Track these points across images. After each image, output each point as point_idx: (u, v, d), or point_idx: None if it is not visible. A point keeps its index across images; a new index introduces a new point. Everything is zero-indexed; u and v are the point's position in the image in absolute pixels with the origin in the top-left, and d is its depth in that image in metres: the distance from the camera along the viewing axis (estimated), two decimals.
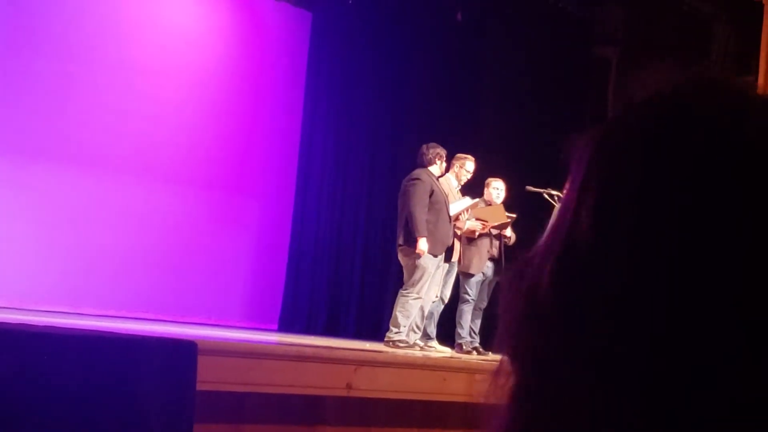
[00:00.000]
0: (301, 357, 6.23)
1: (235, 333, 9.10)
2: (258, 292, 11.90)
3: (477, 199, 9.57)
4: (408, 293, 8.86)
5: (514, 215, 9.61)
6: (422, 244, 8.78)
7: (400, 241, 9.02)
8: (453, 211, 9.20)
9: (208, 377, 5.34)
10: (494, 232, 9.56)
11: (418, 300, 8.87)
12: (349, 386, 6.30)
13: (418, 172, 9.10)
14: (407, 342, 8.75)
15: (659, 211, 0.72)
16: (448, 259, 9.23)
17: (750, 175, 0.71)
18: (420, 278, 8.83)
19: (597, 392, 0.71)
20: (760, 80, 8.35)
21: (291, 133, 12.07)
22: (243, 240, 11.85)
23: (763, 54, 8.36)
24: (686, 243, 0.70)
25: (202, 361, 5.18)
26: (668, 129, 0.74)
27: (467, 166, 9.58)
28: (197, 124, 11.40)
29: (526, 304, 0.78)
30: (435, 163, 9.18)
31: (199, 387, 5.11)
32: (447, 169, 9.50)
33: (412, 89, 12.36)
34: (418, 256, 8.79)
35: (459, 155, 9.64)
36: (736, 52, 11.56)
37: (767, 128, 0.73)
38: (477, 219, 9.46)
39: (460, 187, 9.59)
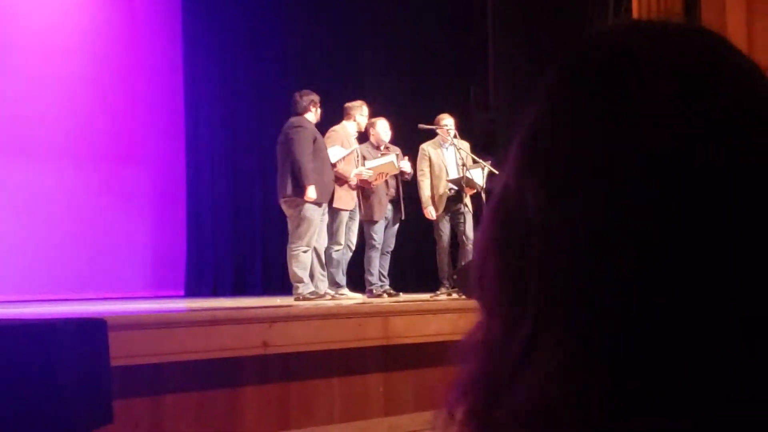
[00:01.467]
0: (213, 321, 6.18)
1: (144, 304, 8.99)
2: (161, 260, 11.77)
3: (355, 146, 9.45)
4: (297, 246, 8.68)
5: (406, 170, 9.58)
6: (311, 192, 8.58)
7: (288, 191, 8.70)
8: (333, 159, 9.10)
9: (122, 352, 5.27)
10: (382, 179, 9.53)
11: (309, 251, 8.73)
12: (265, 344, 6.29)
13: (298, 120, 8.88)
14: (317, 293, 8.71)
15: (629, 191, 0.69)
16: (330, 204, 9.12)
17: (739, 142, 0.69)
18: (307, 230, 8.66)
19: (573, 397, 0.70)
20: (634, 8, 8.48)
21: (175, 96, 11.89)
22: (139, 210, 11.68)
23: None
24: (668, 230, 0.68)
25: (114, 337, 5.10)
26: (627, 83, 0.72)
27: (363, 111, 9.52)
28: (78, 98, 11.15)
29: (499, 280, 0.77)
30: (310, 110, 8.98)
31: (114, 363, 5.03)
32: (341, 117, 9.47)
33: (293, 38, 12.26)
34: (304, 204, 8.58)
35: (353, 103, 9.55)
36: None
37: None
38: (376, 174, 9.40)
39: (357, 135, 9.54)
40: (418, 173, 9.66)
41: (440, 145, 9.70)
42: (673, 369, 0.68)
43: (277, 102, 11.81)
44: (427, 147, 9.71)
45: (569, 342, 0.70)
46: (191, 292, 11.46)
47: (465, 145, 9.58)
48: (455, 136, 9.60)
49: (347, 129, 9.44)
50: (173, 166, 11.88)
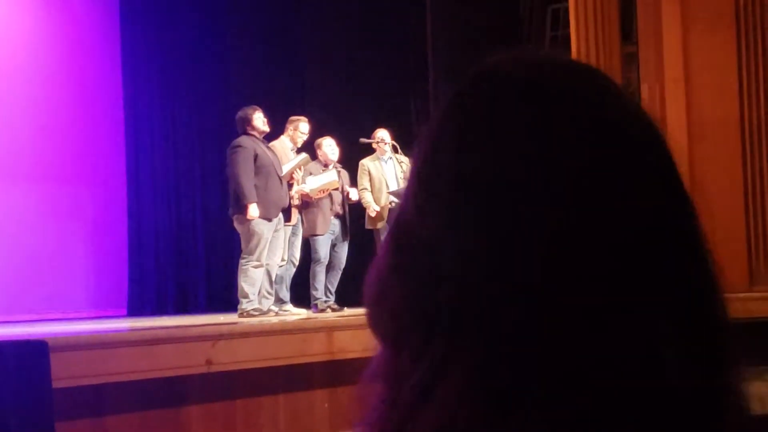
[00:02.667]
0: (155, 340, 6.14)
1: (85, 324, 8.89)
2: (103, 279, 11.65)
3: (305, 155, 9.48)
4: (248, 261, 8.74)
5: (352, 197, 9.62)
6: (252, 210, 8.64)
7: (232, 210, 8.86)
8: (284, 171, 9.12)
9: (63, 374, 5.22)
10: (323, 196, 9.54)
11: (260, 267, 8.77)
12: (209, 362, 6.26)
13: (238, 140, 8.93)
14: (261, 309, 8.70)
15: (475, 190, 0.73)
16: (287, 219, 9.17)
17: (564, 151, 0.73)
18: (257, 245, 8.70)
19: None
20: (570, 5, 8.58)
21: (115, 114, 11.79)
22: (80, 229, 11.55)
23: None
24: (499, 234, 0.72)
25: (55, 358, 5.05)
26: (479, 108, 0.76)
27: (301, 127, 9.54)
28: (16, 117, 11.00)
29: (376, 282, 0.79)
30: (250, 126, 8.99)
31: (56, 385, 4.98)
32: (282, 132, 9.47)
33: (236, 56, 12.22)
34: (251, 221, 8.68)
35: (292, 118, 9.60)
36: None
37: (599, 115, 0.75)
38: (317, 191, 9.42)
39: (296, 149, 9.55)
40: (359, 188, 9.69)
41: (379, 159, 9.77)
42: (571, 392, 0.70)
43: (218, 120, 11.77)
44: (366, 162, 9.77)
45: (476, 368, 0.71)
46: (134, 311, 11.35)
47: (405, 159, 9.64)
48: (395, 149, 9.64)
49: (284, 143, 9.45)
50: (114, 184, 11.77)
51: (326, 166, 9.65)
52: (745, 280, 8.78)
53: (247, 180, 8.70)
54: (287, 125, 9.55)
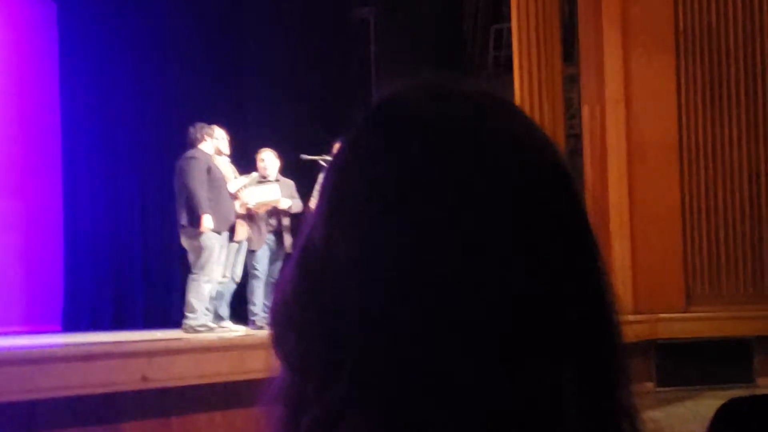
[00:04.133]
0: (89, 356, 6.07)
1: (18, 339, 8.75)
2: (37, 294, 11.47)
3: (254, 174, 9.50)
4: (198, 277, 8.72)
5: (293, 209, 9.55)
6: (206, 221, 8.65)
7: (183, 221, 8.81)
8: (232, 189, 9.13)
9: None
10: (263, 211, 9.49)
11: (210, 282, 8.76)
12: (144, 378, 6.19)
13: (192, 151, 8.99)
14: (207, 326, 8.64)
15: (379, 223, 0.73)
16: (231, 238, 9.15)
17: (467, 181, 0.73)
18: (208, 259, 8.71)
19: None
20: (513, 26, 8.67)
21: (51, 125, 11.64)
22: (13, 242, 11.37)
23: (513, 2, 8.67)
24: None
25: None
26: (380, 136, 0.77)
27: (217, 134, 9.32)
28: None
29: (279, 307, 0.79)
30: (204, 140, 9.05)
31: None
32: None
33: (174, 68, 12.13)
34: (202, 234, 8.65)
35: (206, 127, 9.23)
36: (491, 2, 11.93)
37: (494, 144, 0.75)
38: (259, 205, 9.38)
39: (229, 159, 9.47)
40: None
41: None
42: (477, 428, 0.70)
43: (157, 132, 11.68)
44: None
45: (377, 413, 0.70)
46: (69, 326, 11.18)
47: None
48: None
49: (222, 159, 9.36)
50: (49, 196, 11.61)
51: (264, 177, 9.59)
52: (682, 301, 8.91)
53: (202, 190, 8.71)
54: (204, 137, 9.28)
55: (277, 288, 0.80)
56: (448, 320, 0.70)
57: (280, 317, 0.78)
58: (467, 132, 0.75)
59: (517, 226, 0.73)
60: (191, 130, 9.12)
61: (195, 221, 8.69)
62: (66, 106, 11.69)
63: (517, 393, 0.70)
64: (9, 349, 6.40)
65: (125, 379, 6.08)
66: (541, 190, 0.75)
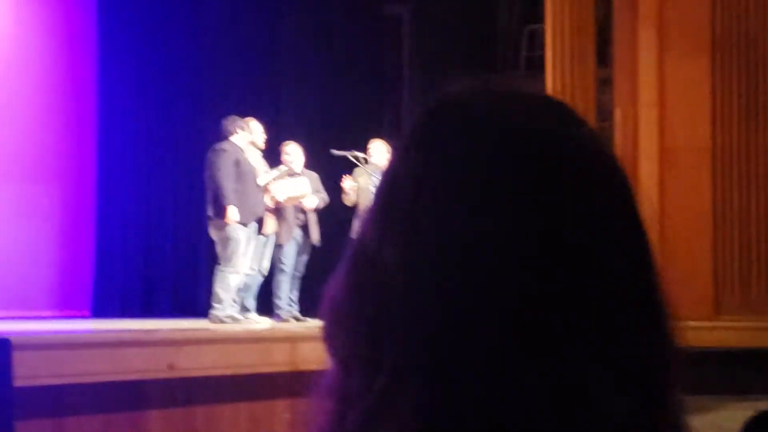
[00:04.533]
0: (119, 343, 6.11)
1: (49, 324, 8.82)
2: (68, 279, 11.56)
3: (282, 167, 9.52)
4: (225, 268, 8.78)
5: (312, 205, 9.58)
6: (231, 213, 8.70)
7: (210, 213, 8.91)
8: (261, 182, 9.17)
9: (25, 373, 5.18)
10: (292, 204, 9.51)
11: (236, 273, 8.81)
12: (171, 367, 6.22)
13: (221, 144, 9.06)
14: (233, 317, 8.69)
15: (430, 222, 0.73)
16: (260, 230, 9.19)
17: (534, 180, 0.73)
18: (235, 251, 8.75)
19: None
20: (547, 27, 8.64)
21: (87, 112, 11.71)
22: (47, 228, 11.46)
23: (548, 3, 8.63)
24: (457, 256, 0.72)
25: (18, 357, 5.01)
26: (436, 135, 0.77)
27: (252, 127, 9.37)
28: None
29: (331, 307, 0.79)
30: (236, 132, 9.11)
31: (17, 383, 4.94)
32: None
33: (209, 60, 12.17)
34: (228, 225, 8.70)
35: (240, 119, 9.36)
36: (525, 2, 11.89)
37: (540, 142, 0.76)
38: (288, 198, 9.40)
39: (261, 153, 9.52)
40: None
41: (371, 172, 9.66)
42: (523, 419, 0.70)
43: (192, 124, 11.73)
44: (359, 170, 9.68)
45: (419, 408, 0.71)
46: (98, 312, 11.26)
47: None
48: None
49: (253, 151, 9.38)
50: (83, 183, 11.68)
51: (291, 171, 9.59)
52: (712, 310, 8.82)
53: (228, 182, 8.76)
54: (236, 130, 9.33)
55: (328, 284, 0.80)
56: (502, 320, 0.71)
57: (330, 313, 0.79)
58: (538, 136, 0.75)
59: (583, 231, 0.73)
60: (224, 122, 9.19)
61: (221, 212, 8.76)
62: (103, 96, 11.75)
63: (563, 395, 0.70)
64: (39, 333, 6.46)
65: (153, 366, 6.12)
66: (608, 195, 0.76)
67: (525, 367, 0.70)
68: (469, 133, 0.75)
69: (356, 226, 0.81)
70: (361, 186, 9.64)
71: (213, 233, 9.02)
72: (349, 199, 9.52)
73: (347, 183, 9.48)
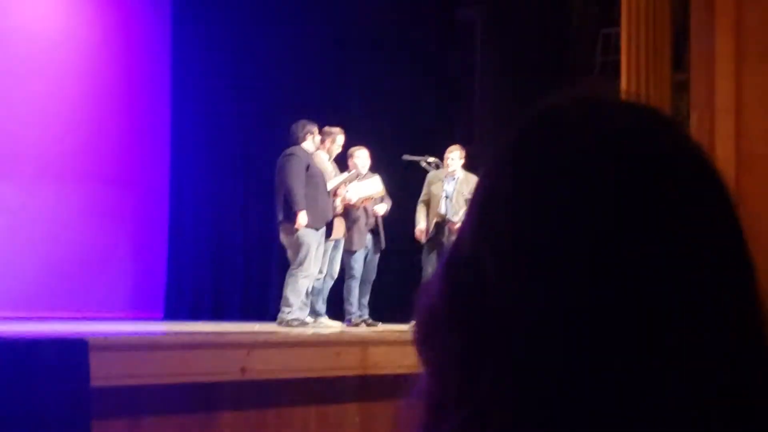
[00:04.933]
0: (192, 345, 6.17)
1: (123, 325, 8.94)
2: (141, 281, 11.71)
3: (353, 171, 9.57)
4: (296, 272, 8.84)
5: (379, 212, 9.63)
6: (302, 218, 8.77)
7: (280, 217, 8.99)
8: (330, 186, 9.21)
9: (102, 373, 5.24)
10: (367, 204, 9.55)
11: (308, 277, 8.85)
12: (243, 370, 6.26)
13: (292, 149, 9.15)
14: (301, 320, 8.74)
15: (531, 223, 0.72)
16: (329, 235, 9.22)
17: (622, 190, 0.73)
18: (306, 255, 8.81)
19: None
20: (623, 31, 8.55)
21: (161, 117, 11.87)
22: (121, 230, 11.63)
23: (624, 2, 8.54)
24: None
25: (94, 358, 5.08)
26: (533, 143, 0.76)
27: (338, 140, 9.55)
28: (61, 117, 11.10)
29: (426, 315, 0.79)
30: (306, 139, 9.20)
31: (94, 384, 5.01)
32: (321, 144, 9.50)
33: (280, 66, 12.25)
34: (298, 230, 8.75)
35: (327, 129, 9.56)
36: (600, 6, 11.78)
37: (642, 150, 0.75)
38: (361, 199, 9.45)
39: (331, 160, 9.58)
40: (420, 199, 9.68)
41: (443, 177, 9.66)
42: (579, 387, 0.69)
43: (263, 128, 11.82)
44: (431, 176, 9.71)
45: (526, 405, 0.70)
46: (170, 314, 11.40)
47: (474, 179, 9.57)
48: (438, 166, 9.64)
49: (321, 157, 9.43)
50: (157, 187, 11.84)
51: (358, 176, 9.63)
52: None
53: (299, 187, 8.85)
54: (324, 138, 9.52)
55: (421, 291, 0.80)
56: (605, 327, 0.70)
57: (426, 319, 0.78)
58: (639, 142, 0.75)
59: (689, 235, 0.72)
60: (294, 127, 9.27)
61: (291, 217, 8.83)
62: (176, 99, 11.91)
63: (662, 406, 0.69)
64: (116, 334, 6.54)
65: (225, 369, 6.17)
66: (710, 200, 0.75)
67: (627, 373, 0.69)
68: (570, 143, 0.75)
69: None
70: (434, 193, 9.62)
71: (283, 238, 9.09)
72: (422, 238, 9.59)
73: (420, 226, 9.53)
